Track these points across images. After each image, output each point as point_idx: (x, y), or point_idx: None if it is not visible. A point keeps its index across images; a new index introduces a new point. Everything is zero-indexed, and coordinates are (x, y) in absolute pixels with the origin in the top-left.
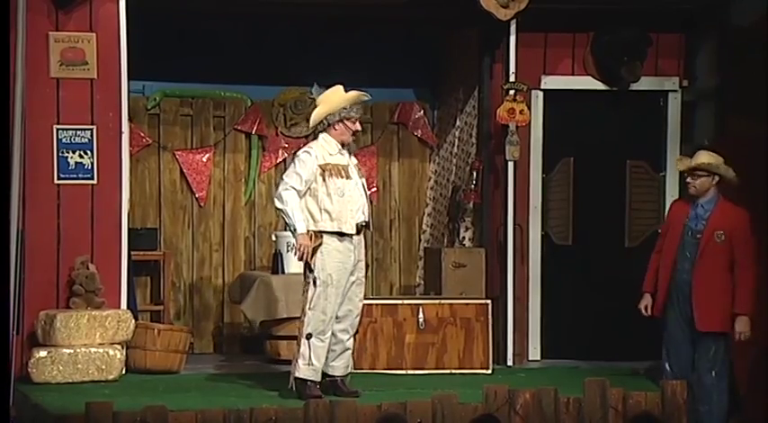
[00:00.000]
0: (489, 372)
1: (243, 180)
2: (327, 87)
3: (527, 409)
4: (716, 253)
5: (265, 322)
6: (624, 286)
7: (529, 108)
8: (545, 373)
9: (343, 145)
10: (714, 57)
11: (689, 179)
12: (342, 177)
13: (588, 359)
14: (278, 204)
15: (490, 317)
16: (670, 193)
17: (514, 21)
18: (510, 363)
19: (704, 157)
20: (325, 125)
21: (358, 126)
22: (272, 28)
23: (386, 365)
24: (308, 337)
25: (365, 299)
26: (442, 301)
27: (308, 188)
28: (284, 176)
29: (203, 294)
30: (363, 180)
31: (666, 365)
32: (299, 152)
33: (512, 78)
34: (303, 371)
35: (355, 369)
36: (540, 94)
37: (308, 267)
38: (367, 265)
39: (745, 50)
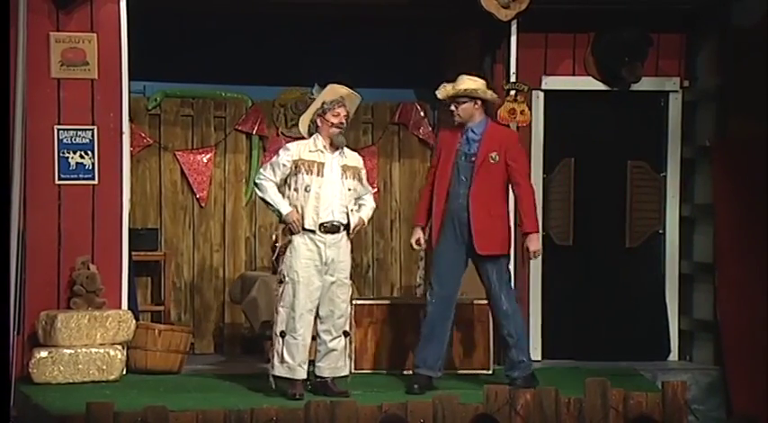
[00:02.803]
0: (490, 372)
1: (244, 180)
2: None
3: (528, 410)
4: (491, 174)
5: (266, 323)
6: (624, 286)
7: (529, 108)
8: (545, 373)
9: (332, 143)
10: (715, 57)
11: (452, 107)
12: (311, 174)
13: (588, 359)
14: (258, 193)
15: (491, 317)
16: (671, 194)
17: (515, 21)
18: None
19: (466, 83)
20: (314, 127)
21: (338, 119)
22: (272, 28)
23: (386, 365)
24: (282, 334)
25: (365, 299)
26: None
27: (285, 182)
28: (260, 169)
29: (204, 295)
30: (352, 182)
31: (432, 284)
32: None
33: (512, 79)
34: (278, 369)
35: (356, 369)
36: (541, 94)
37: (277, 266)
38: (368, 266)
39: (746, 51)
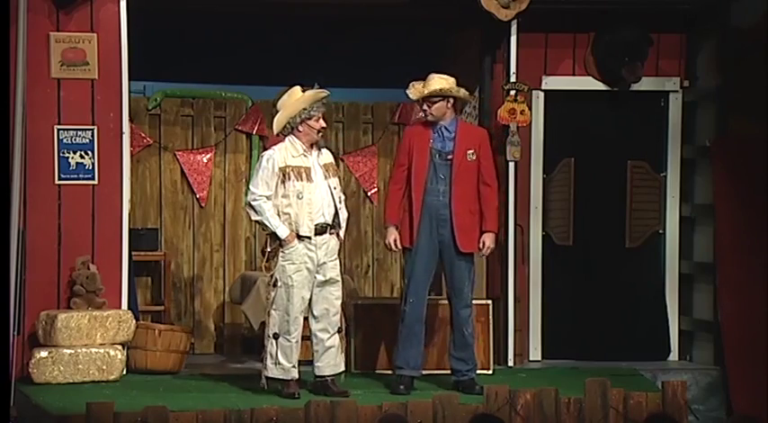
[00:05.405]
0: (490, 372)
1: (244, 180)
2: (329, 88)
3: (528, 410)
4: (468, 172)
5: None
6: (624, 286)
7: (530, 108)
8: (546, 373)
9: (312, 145)
10: (715, 57)
11: (424, 106)
12: (301, 180)
13: (588, 359)
14: (253, 216)
15: (491, 317)
16: (671, 194)
17: (515, 21)
18: (511, 363)
19: (438, 83)
20: (290, 129)
21: (322, 123)
22: (272, 28)
23: (386, 365)
24: (275, 336)
25: (366, 299)
26: (442, 301)
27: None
28: (251, 186)
29: (204, 295)
30: (334, 180)
31: (410, 284)
32: (262, 156)
33: (512, 79)
34: (271, 370)
35: (356, 369)
36: (541, 94)
37: (269, 269)
38: (368, 266)
39: (746, 51)
